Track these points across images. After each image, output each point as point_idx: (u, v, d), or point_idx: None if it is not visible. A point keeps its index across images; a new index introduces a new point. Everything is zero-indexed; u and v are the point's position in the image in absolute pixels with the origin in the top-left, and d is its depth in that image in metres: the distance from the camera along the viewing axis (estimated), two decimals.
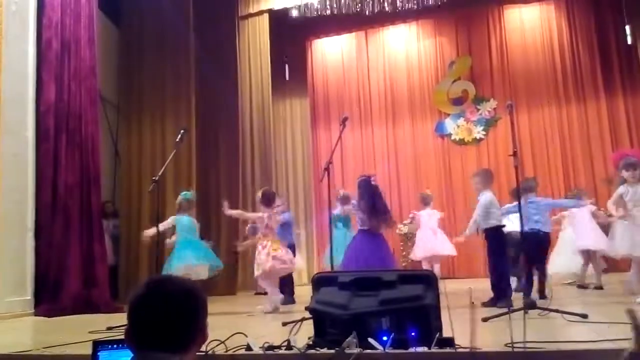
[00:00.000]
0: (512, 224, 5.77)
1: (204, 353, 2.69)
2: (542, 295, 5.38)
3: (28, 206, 6.15)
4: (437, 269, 7.84)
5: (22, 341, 4.01)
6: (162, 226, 5.56)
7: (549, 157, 10.23)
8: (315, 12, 9.75)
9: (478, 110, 10.80)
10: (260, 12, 9.69)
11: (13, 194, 5.96)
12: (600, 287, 6.37)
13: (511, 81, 10.59)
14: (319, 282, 3.22)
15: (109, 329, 4.08)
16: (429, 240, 8.11)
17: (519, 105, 10.17)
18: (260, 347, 2.87)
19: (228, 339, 2.89)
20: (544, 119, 10.39)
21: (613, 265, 7.39)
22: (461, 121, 10.85)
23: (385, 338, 2.74)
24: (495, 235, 5.20)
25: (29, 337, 4.61)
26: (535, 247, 5.53)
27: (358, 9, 9.88)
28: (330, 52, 11.77)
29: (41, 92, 6.46)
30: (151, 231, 5.58)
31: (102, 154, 7.22)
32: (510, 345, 2.52)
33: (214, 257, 5.95)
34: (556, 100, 10.34)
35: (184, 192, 6.23)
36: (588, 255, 6.74)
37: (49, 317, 5.65)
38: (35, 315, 5.81)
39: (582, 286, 6.61)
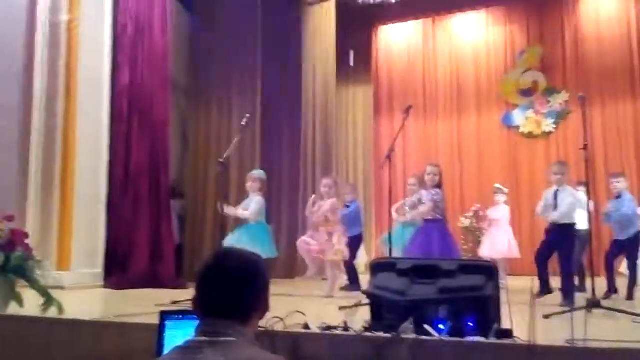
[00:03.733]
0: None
1: (263, 329, 2.77)
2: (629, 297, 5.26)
3: (101, 183, 6.43)
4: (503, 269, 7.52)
5: (92, 310, 4.24)
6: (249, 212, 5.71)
7: (622, 154, 9.78)
8: None
9: (548, 102, 10.44)
10: None
11: (88, 171, 6.25)
12: None
13: (584, 73, 10.16)
14: (377, 267, 3.24)
15: (174, 302, 4.24)
16: (501, 241, 7.76)
17: (592, 98, 9.77)
18: (317, 327, 2.93)
19: (287, 316, 2.97)
20: (619, 113, 9.93)
21: None
22: (530, 113, 10.53)
23: (442, 326, 2.75)
24: (568, 233, 5.07)
25: (100, 306, 4.86)
26: None
27: None
28: (396, 39, 11.66)
29: (116, 75, 6.72)
30: (232, 211, 5.71)
31: (171, 136, 7.46)
32: (571, 341, 2.47)
33: (269, 247, 5.93)
34: (632, 94, 9.86)
35: (258, 170, 6.31)
36: None
37: (117, 289, 5.90)
38: (104, 288, 6.09)
39: None
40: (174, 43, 7.63)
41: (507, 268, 7.63)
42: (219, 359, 1.41)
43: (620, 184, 5.72)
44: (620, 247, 5.67)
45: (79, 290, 5.64)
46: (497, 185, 8.24)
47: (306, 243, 5.77)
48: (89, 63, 6.40)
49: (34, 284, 3.65)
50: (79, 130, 6.19)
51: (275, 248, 6.09)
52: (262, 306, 1.60)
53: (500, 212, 7.84)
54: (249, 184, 5.99)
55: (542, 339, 2.53)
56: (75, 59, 6.26)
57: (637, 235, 5.55)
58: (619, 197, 5.71)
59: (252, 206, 5.87)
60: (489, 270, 2.99)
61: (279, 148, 9.01)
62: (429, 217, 5.58)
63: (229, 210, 5.79)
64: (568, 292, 4.76)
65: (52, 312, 3.47)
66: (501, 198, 7.94)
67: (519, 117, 10.60)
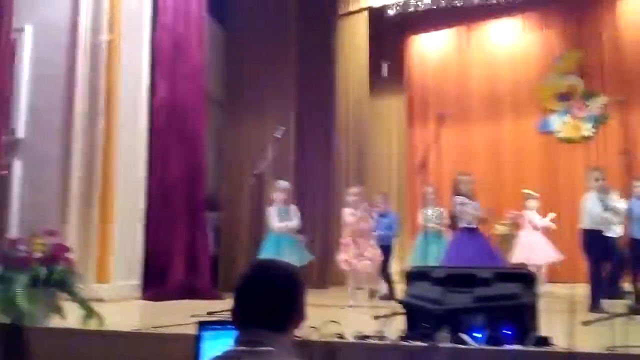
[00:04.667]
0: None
1: (299, 338, 2.78)
2: None
3: (139, 197, 6.57)
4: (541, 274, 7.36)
5: (131, 322, 4.32)
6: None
7: None
8: (414, 7, 9.64)
9: (587, 106, 10.18)
10: (360, 10, 9.73)
11: (127, 186, 6.40)
12: None
13: (623, 76, 9.88)
14: (413, 276, 3.23)
15: (210, 313, 4.30)
16: (533, 247, 7.67)
17: (633, 102, 9.51)
18: (353, 336, 2.93)
19: (322, 326, 2.97)
20: None
21: None
22: (568, 118, 10.30)
23: (478, 335, 2.71)
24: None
25: (138, 318, 4.94)
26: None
27: (460, 3, 9.66)
28: (429, 48, 11.59)
29: (154, 90, 6.88)
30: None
31: (207, 149, 7.58)
32: (611, 349, 2.41)
33: (298, 254, 6.00)
34: None
35: (283, 181, 6.40)
36: None
37: (154, 301, 6.01)
38: (142, 300, 6.19)
39: None
40: (209, 58, 7.77)
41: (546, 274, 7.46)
42: None
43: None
44: None
45: (117, 302, 5.75)
46: (527, 191, 8.10)
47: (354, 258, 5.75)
48: (128, 81, 6.57)
49: (75, 296, 3.74)
50: (118, 146, 6.34)
51: (307, 253, 6.18)
52: (298, 315, 1.61)
53: (536, 218, 7.73)
54: (277, 195, 6.07)
55: (581, 346, 2.47)
56: (115, 77, 6.43)
57: None
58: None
59: (295, 215, 6.05)
60: (527, 278, 2.95)
61: (313, 160, 9.04)
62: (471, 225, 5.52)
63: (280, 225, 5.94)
64: (593, 299, 4.68)
65: (93, 324, 3.54)
66: (534, 204, 7.81)
67: (556, 122, 10.38)
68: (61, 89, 6.21)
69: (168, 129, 6.91)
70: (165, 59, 6.99)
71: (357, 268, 5.76)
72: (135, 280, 6.37)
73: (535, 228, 7.69)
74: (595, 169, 5.69)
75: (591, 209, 5.07)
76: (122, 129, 6.41)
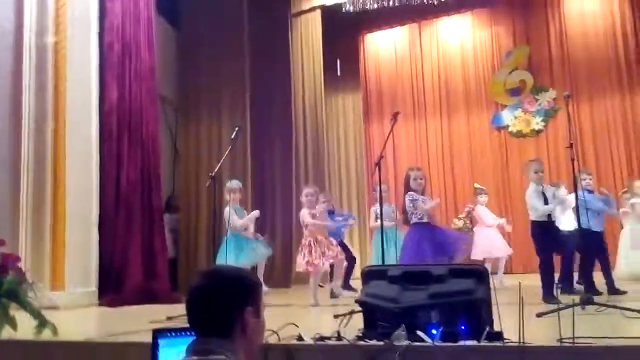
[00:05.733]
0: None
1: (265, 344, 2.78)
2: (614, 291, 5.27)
3: (93, 202, 6.42)
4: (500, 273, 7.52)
5: (87, 330, 4.23)
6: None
7: (611, 149, 9.83)
8: (368, 5, 9.72)
9: (537, 100, 10.50)
10: (313, 9, 9.76)
11: (79, 191, 6.24)
12: None
13: (572, 70, 10.21)
14: (369, 275, 3.25)
15: (169, 318, 4.24)
16: (490, 240, 7.85)
17: (581, 95, 9.85)
18: (311, 338, 2.94)
19: (281, 329, 2.98)
20: (607, 109, 9.97)
21: None
22: (519, 112, 10.58)
23: (434, 331, 2.76)
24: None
25: (94, 326, 4.84)
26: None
27: (411, 1, 9.78)
28: (382, 46, 11.71)
29: (104, 93, 6.73)
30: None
31: (162, 151, 7.47)
32: (564, 340, 2.49)
33: (258, 250, 6.05)
34: (619, 89, 9.92)
35: (236, 181, 6.40)
36: None
37: (112, 307, 5.88)
38: (99, 306, 6.07)
39: None
40: (161, 59, 7.65)
41: (503, 267, 7.63)
42: None
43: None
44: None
45: (73, 310, 5.63)
46: (478, 186, 8.27)
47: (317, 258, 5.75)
48: (77, 83, 6.40)
49: (27, 306, 3.63)
50: (68, 151, 6.18)
51: (267, 249, 6.27)
52: (239, 322, 1.58)
53: (486, 213, 7.91)
54: (232, 196, 6.05)
55: (533, 339, 2.54)
56: (63, 80, 6.26)
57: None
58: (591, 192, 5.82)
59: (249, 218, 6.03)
60: (480, 274, 3.00)
61: (270, 158, 9.04)
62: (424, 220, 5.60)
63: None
64: (545, 289, 4.84)
65: (47, 334, 3.46)
66: (484, 198, 7.98)
67: (507, 116, 10.65)
68: (7, 92, 6.01)
69: (120, 132, 6.79)
70: (115, 60, 6.85)
71: (319, 269, 5.77)
72: (91, 286, 6.23)
73: (485, 224, 7.87)
74: (534, 160, 5.82)
75: (533, 202, 5.21)
76: (72, 132, 6.25)
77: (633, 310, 3.58)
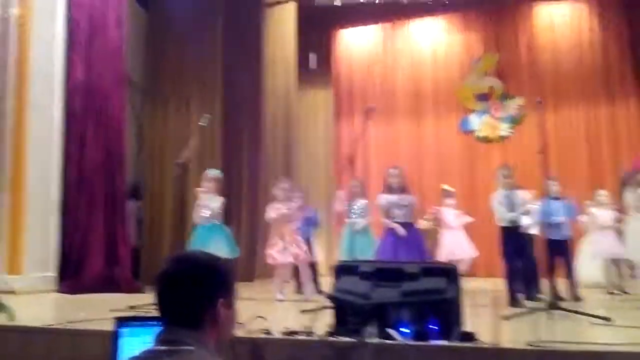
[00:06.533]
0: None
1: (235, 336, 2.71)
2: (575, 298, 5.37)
3: (54, 184, 6.21)
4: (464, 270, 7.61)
5: (45, 316, 4.08)
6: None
7: (575, 158, 10.04)
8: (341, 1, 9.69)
9: (504, 107, 10.66)
10: (287, 0, 9.66)
11: (39, 172, 6.03)
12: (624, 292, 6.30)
13: (539, 79, 10.39)
14: (341, 270, 3.22)
15: (131, 307, 4.13)
16: (455, 243, 7.95)
17: (546, 104, 10.01)
18: (280, 332, 2.89)
19: (249, 322, 2.91)
20: (571, 118, 10.20)
21: None
22: (486, 118, 10.72)
23: (405, 330, 2.74)
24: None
25: (52, 312, 4.68)
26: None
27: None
28: (355, 42, 11.68)
29: (69, 71, 6.50)
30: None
31: (128, 135, 7.27)
32: (532, 344, 2.50)
33: (232, 247, 5.90)
34: (584, 99, 10.16)
35: (214, 170, 6.24)
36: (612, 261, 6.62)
37: (71, 294, 5.71)
38: (58, 292, 5.89)
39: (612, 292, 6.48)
40: (130, 41, 7.44)
41: (467, 270, 7.73)
42: None
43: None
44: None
45: (31, 295, 5.45)
46: (445, 187, 8.37)
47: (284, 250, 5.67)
48: (41, 59, 6.18)
49: None
50: (30, 130, 5.97)
51: (236, 248, 6.02)
52: (210, 312, 1.50)
53: (452, 215, 8.01)
54: (205, 184, 5.90)
55: (504, 341, 2.55)
56: (26, 55, 6.05)
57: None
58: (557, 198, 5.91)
59: (217, 206, 5.84)
60: (451, 273, 3.00)
61: (239, 149, 8.90)
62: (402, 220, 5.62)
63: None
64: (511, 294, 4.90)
65: (3, 319, 3.31)
66: (451, 201, 8.09)
67: (475, 121, 10.78)
68: None
69: (85, 112, 6.58)
70: (82, 38, 6.62)
71: (280, 262, 5.70)
72: (50, 271, 6.04)
73: (449, 227, 7.98)
74: (503, 166, 5.88)
75: (496, 207, 5.27)
76: (34, 110, 6.04)
77: (596, 317, 3.65)
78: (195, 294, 1.49)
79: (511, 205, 5.24)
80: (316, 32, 11.18)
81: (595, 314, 3.72)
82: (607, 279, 6.60)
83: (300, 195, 7.10)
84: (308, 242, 6.66)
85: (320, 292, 6.37)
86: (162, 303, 1.50)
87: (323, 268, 8.31)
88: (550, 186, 5.80)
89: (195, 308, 1.49)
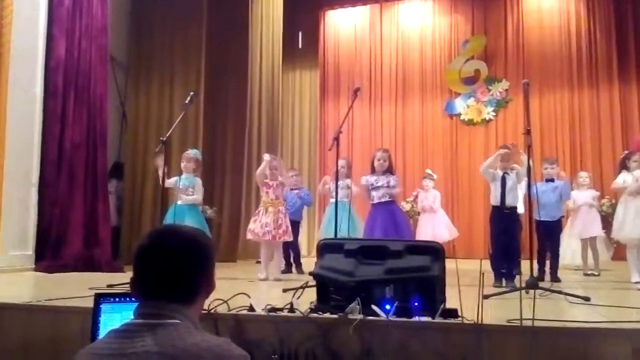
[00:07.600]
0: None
1: (206, 311, 2.68)
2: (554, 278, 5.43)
3: (33, 162, 6.10)
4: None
5: (22, 294, 4.02)
6: (169, 184, 5.53)
7: (557, 141, 10.15)
8: None
9: (489, 90, 10.68)
10: None
11: (19, 149, 5.92)
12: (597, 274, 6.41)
13: (525, 63, 10.44)
14: (325, 248, 3.20)
15: (110, 286, 4.09)
16: (432, 225, 8.07)
17: (531, 88, 10.02)
18: (262, 309, 2.87)
19: (231, 298, 2.89)
20: (555, 103, 10.28)
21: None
22: (471, 101, 10.74)
23: (388, 306, 2.74)
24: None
25: (30, 290, 4.62)
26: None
27: None
28: (343, 24, 11.62)
29: (51, 48, 6.37)
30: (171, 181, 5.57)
31: (110, 113, 7.16)
32: (514, 320, 2.51)
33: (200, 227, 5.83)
34: (569, 84, 10.22)
35: (194, 150, 6.18)
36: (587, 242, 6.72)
37: (49, 273, 5.64)
38: (36, 271, 5.81)
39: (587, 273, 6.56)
40: (113, 17, 7.29)
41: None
42: (161, 344, 1.31)
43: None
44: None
45: (8, 273, 5.37)
46: (429, 171, 8.48)
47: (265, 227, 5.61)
48: (22, 34, 6.02)
49: None
50: (9, 106, 5.83)
51: (208, 230, 5.97)
52: (204, 285, 1.49)
53: (432, 197, 8.11)
54: (184, 164, 5.83)
55: (486, 319, 2.56)
56: (6, 30, 5.88)
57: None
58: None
59: (199, 190, 5.79)
60: (435, 251, 3.00)
61: (222, 129, 8.82)
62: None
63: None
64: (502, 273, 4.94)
65: None
66: (430, 183, 8.19)
67: (460, 105, 10.80)
68: None
69: (66, 89, 6.44)
70: (64, 13, 6.46)
71: (256, 238, 5.65)
72: (28, 250, 5.95)
73: (425, 210, 8.09)
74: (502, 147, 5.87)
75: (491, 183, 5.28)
76: (14, 87, 5.90)
77: (576, 296, 3.69)
78: (194, 268, 1.46)
79: (502, 186, 5.23)
80: (304, 12, 11.10)
81: (574, 293, 3.76)
82: (584, 260, 6.70)
83: (295, 174, 7.11)
84: (297, 223, 6.67)
85: (301, 272, 6.38)
86: (148, 276, 1.44)
87: (306, 248, 8.31)
88: (545, 168, 5.83)
89: (193, 281, 1.45)
